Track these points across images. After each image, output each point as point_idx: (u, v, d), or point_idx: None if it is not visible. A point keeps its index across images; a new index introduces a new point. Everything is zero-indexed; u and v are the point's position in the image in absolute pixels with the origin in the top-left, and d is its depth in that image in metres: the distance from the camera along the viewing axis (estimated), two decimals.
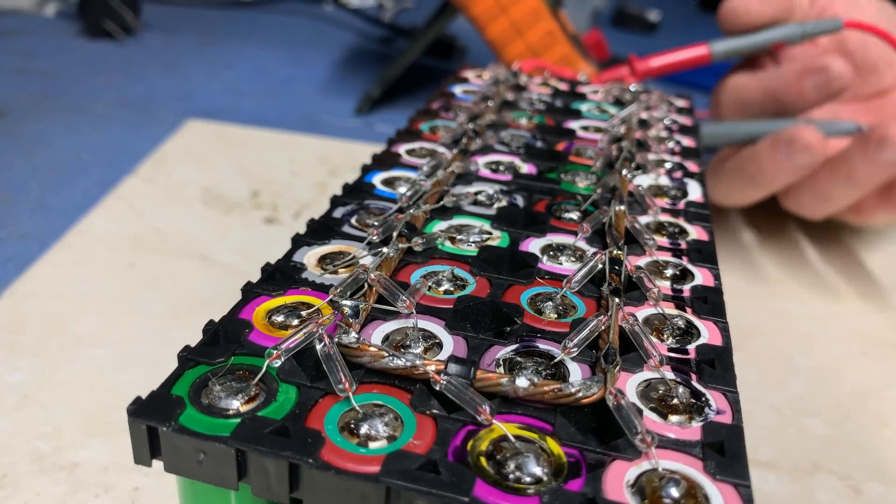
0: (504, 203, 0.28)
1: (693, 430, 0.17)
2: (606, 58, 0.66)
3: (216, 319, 0.20)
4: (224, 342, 0.19)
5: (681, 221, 0.28)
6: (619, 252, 0.23)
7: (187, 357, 0.18)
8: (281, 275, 0.22)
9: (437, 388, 0.17)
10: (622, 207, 0.26)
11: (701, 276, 0.24)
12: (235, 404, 0.17)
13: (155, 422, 0.16)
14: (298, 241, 0.24)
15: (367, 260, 0.23)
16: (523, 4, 0.56)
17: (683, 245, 0.26)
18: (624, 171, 0.29)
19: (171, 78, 0.70)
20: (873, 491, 0.29)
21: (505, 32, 0.57)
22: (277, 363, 0.18)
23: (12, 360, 0.31)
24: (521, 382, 0.17)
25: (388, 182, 0.29)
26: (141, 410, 0.16)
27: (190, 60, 0.75)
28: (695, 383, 0.19)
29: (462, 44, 0.82)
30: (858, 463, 0.30)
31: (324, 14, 0.97)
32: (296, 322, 0.20)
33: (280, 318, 0.20)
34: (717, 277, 0.24)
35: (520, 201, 0.28)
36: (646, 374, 0.19)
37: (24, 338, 0.33)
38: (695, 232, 0.27)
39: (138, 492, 0.26)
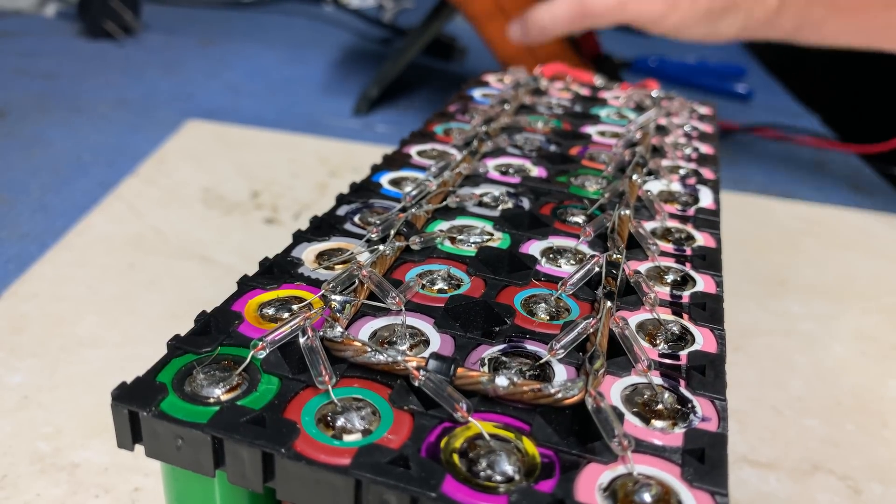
0: (509, 205, 0.28)
1: (675, 437, 0.17)
2: (598, 53, 0.66)
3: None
4: (214, 332, 0.19)
5: (689, 228, 0.27)
6: (619, 256, 0.23)
7: (175, 346, 0.18)
8: (278, 269, 0.22)
9: (416, 384, 0.17)
10: (627, 212, 0.26)
11: (703, 283, 0.24)
12: (217, 393, 0.17)
13: (136, 407, 0.16)
14: (299, 237, 0.24)
15: (364, 257, 0.23)
16: (521, 2, 0.56)
17: (688, 251, 0.26)
18: (634, 176, 0.29)
19: (171, 78, 0.70)
20: (873, 491, 0.28)
21: (502, 29, 0.57)
22: (262, 354, 0.18)
23: (12, 360, 0.32)
24: (501, 381, 0.17)
25: (396, 182, 0.29)
26: (124, 395, 0.17)
27: (190, 60, 0.76)
28: (683, 389, 0.19)
29: (462, 44, 0.82)
30: (858, 463, 0.29)
31: (324, 14, 0.98)
32: (286, 315, 0.20)
33: (271, 311, 0.20)
34: (719, 285, 0.24)
35: (526, 204, 0.28)
36: (633, 379, 0.19)
37: (24, 339, 0.33)
38: (702, 239, 0.27)
39: (138, 492, 0.26)
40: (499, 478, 0.15)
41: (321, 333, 0.18)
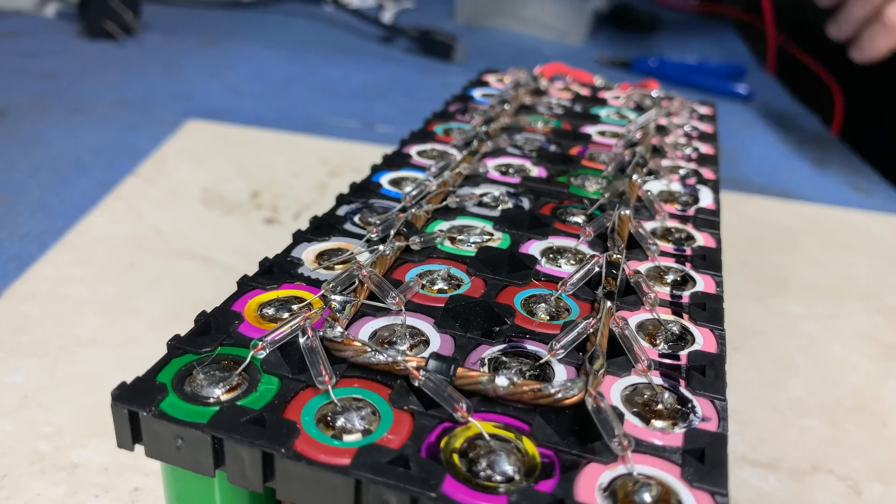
0: (509, 205, 0.28)
1: (675, 436, 0.17)
2: None
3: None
4: (214, 332, 0.19)
5: (689, 228, 0.27)
6: (619, 256, 0.23)
7: (175, 346, 0.18)
8: (278, 269, 0.22)
9: (416, 384, 0.17)
10: (627, 212, 0.26)
11: (703, 283, 0.24)
12: (217, 393, 0.17)
13: (136, 407, 0.16)
14: (299, 237, 0.24)
15: (364, 257, 0.23)
16: None
17: (688, 251, 0.26)
18: (634, 176, 0.29)
19: (171, 78, 0.70)
20: (873, 491, 0.28)
21: None
22: (262, 354, 0.18)
23: (12, 360, 0.32)
24: (501, 381, 0.17)
25: (396, 182, 0.29)
26: (124, 395, 0.17)
27: (190, 60, 0.75)
28: (683, 389, 0.19)
29: (462, 44, 0.82)
30: (858, 463, 0.29)
31: (324, 14, 0.97)
32: (286, 315, 0.20)
33: (271, 311, 0.20)
34: (719, 285, 0.24)
35: (525, 204, 0.28)
36: (633, 379, 0.19)
37: (24, 338, 0.33)
38: (702, 239, 0.27)
39: (138, 492, 0.26)
40: (499, 478, 0.15)
41: (321, 333, 0.18)
